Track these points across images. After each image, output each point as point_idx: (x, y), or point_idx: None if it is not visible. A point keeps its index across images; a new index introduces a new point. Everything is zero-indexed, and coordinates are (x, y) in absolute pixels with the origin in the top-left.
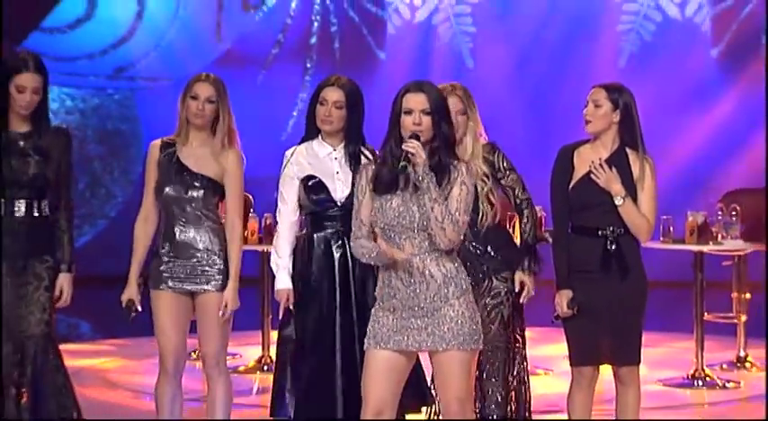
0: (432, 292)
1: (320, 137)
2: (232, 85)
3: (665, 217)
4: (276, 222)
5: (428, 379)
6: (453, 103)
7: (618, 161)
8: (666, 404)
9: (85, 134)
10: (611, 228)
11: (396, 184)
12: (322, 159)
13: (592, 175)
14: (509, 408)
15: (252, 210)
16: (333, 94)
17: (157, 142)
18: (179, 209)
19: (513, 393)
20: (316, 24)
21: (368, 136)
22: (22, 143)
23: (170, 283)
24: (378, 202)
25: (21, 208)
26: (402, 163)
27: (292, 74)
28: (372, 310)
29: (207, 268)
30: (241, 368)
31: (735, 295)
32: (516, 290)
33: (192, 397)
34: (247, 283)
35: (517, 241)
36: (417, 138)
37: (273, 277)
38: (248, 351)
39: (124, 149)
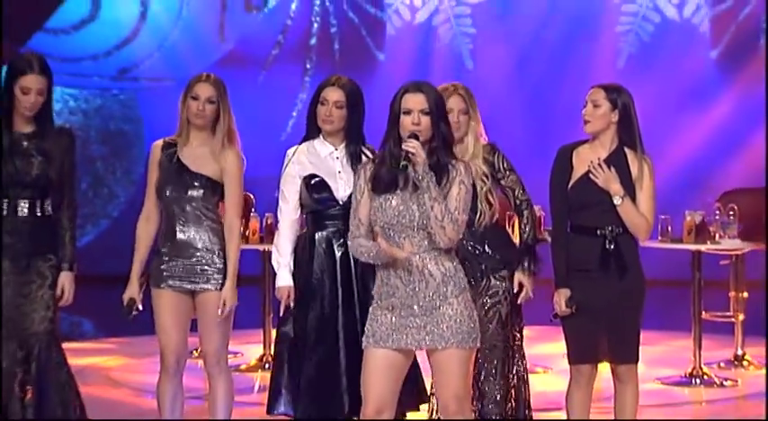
0: (431, 291)
1: (321, 136)
2: (234, 86)
3: (663, 216)
4: (277, 221)
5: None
6: (456, 103)
7: (616, 161)
8: (664, 402)
9: (88, 134)
10: (610, 228)
11: (395, 184)
12: (324, 158)
13: (591, 175)
14: (509, 407)
15: (253, 210)
16: (333, 94)
17: (159, 142)
18: (179, 208)
19: (512, 391)
20: (315, 25)
21: (367, 136)
22: (25, 143)
23: (170, 282)
24: (377, 202)
25: (24, 207)
26: (403, 162)
27: (292, 74)
28: (370, 309)
29: (206, 267)
30: (243, 366)
31: (732, 294)
32: (515, 290)
33: (194, 395)
34: (249, 282)
35: (516, 241)
36: (416, 137)
37: (275, 275)
38: (250, 349)
39: (127, 150)
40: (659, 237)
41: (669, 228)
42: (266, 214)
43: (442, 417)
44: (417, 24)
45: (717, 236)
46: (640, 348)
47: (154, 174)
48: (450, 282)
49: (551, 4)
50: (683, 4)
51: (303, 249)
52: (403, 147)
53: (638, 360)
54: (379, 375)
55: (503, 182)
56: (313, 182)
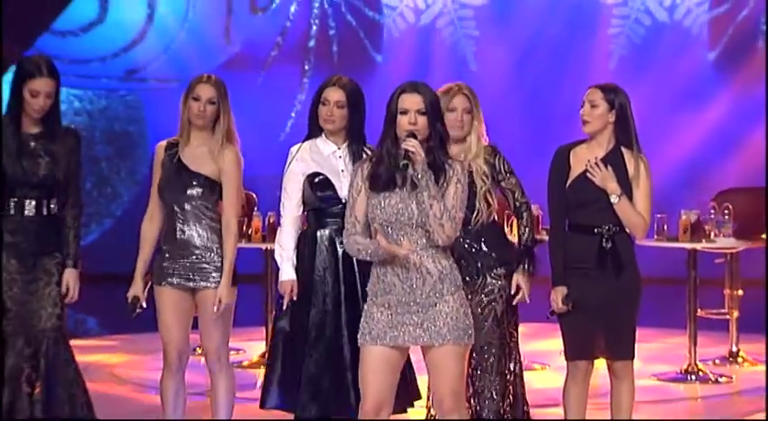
0: (428, 288)
1: (324, 135)
2: (239, 87)
3: (659, 215)
4: (280, 218)
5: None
6: (460, 102)
7: (613, 160)
8: (660, 398)
9: (93, 135)
10: (607, 226)
11: (393, 182)
12: (327, 157)
13: (588, 174)
14: (506, 404)
15: (255, 209)
16: (334, 94)
17: (163, 143)
18: (179, 207)
19: (509, 388)
20: (314, 28)
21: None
22: (33, 144)
23: (172, 280)
24: (376, 199)
25: (31, 207)
26: (404, 161)
27: (291, 76)
28: (365, 306)
29: (205, 265)
30: (245, 363)
31: (727, 292)
32: (513, 292)
33: (197, 391)
34: (251, 280)
35: (512, 239)
36: (414, 137)
37: (277, 272)
38: (252, 346)
39: (131, 150)
40: (655, 236)
41: (665, 227)
42: (268, 213)
43: (437, 414)
44: (417, 27)
45: (712, 234)
46: (636, 345)
47: (157, 175)
48: (447, 279)
49: (550, 7)
50: (674, 7)
51: (305, 246)
52: (403, 146)
53: (634, 356)
54: (376, 372)
55: (503, 183)
56: (317, 180)
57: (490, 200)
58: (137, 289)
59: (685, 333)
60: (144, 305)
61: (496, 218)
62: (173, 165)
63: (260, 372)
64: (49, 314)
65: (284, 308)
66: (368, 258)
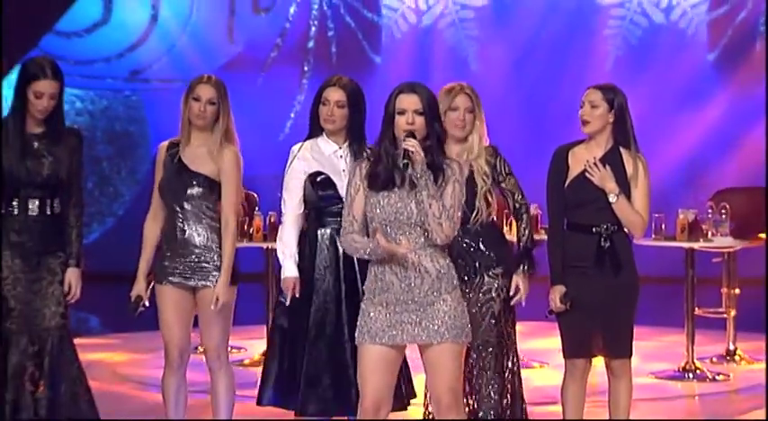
0: (426, 287)
1: (324, 135)
2: (238, 88)
3: (657, 215)
4: (281, 216)
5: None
6: (462, 101)
7: (612, 160)
8: (658, 396)
9: (94, 135)
10: (605, 226)
11: (392, 181)
12: (328, 157)
13: (587, 174)
14: (505, 402)
15: (257, 208)
16: (334, 94)
17: (165, 143)
18: (179, 207)
19: (508, 387)
20: (313, 29)
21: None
22: (36, 144)
23: (172, 279)
24: (374, 199)
25: (35, 207)
26: (404, 161)
27: (290, 76)
28: (362, 304)
29: (205, 264)
30: (246, 361)
31: (724, 291)
32: (512, 293)
33: (199, 389)
34: (252, 279)
35: (510, 239)
36: (414, 136)
37: (278, 272)
38: (253, 345)
39: (132, 150)
40: (653, 235)
41: (663, 227)
42: (269, 212)
43: (434, 411)
44: (417, 28)
45: (709, 234)
46: (634, 343)
47: (159, 175)
48: (444, 278)
49: (548, 7)
50: (670, 8)
51: (306, 245)
52: (403, 146)
53: (631, 355)
54: (375, 371)
55: (503, 184)
56: (319, 179)
57: (490, 199)
58: (140, 288)
59: (683, 331)
60: (147, 304)
61: (495, 218)
62: (173, 165)
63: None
64: (53, 313)
65: (287, 304)
66: (365, 257)
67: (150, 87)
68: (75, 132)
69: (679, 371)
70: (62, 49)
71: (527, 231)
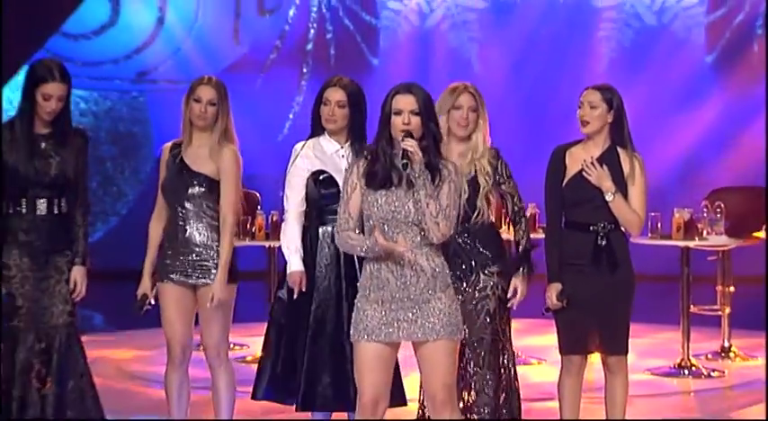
0: (421, 285)
1: (326, 135)
2: (239, 89)
3: (653, 214)
4: (283, 214)
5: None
6: (466, 100)
7: (609, 159)
8: (654, 392)
9: (99, 135)
10: (602, 224)
11: (390, 180)
12: (330, 156)
13: (584, 173)
14: (500, 398)
15: (259, 207)
16: (335, 94)
17: (168, 144)
18: (181, 206)
19: (503, 383)
20: (312, 31)
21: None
22: (43, 145)
23: (174, 277)
24: (372, 197)
25: (42, 206)
26: (403, 161)
27: (289, 78)
28: (356, 302)
29: (205, 262)
30: (248, 358)
31: (719, 288)
32: (510, 295)
33: (202, 385)
34: (255, 277)
35: (507, 237)
36: (411, 136)
37: (282, 268)
38: (255, 342)
39: (135, 150)
40: (649, 234)
41: (659, 225)
42: (272, 211)
43: (429, 408)
44: (417, 30)
45: (704, 232)
46: (630, 340)
47: (163, 175)
48: (439, 276)
49: (547, 9)
50: (663, 11)
51: (307, 243)
52: (402, 145)
53: (627, 351)
54: (371, 369)
55: (503, 186)
56: (321, 177)
57: (491, 199)
58: (145, 287)
59: (678, 328)
60: (153, 302)
61: (493, 218)
62: (175, 165)
63: None
64: (61, 311)
65: (286, 299)
66: (361, 254)
67: (156, 88)
68: (82, 133)
69: (675, 367)
70: (70, 51)
71: (525, 234)
